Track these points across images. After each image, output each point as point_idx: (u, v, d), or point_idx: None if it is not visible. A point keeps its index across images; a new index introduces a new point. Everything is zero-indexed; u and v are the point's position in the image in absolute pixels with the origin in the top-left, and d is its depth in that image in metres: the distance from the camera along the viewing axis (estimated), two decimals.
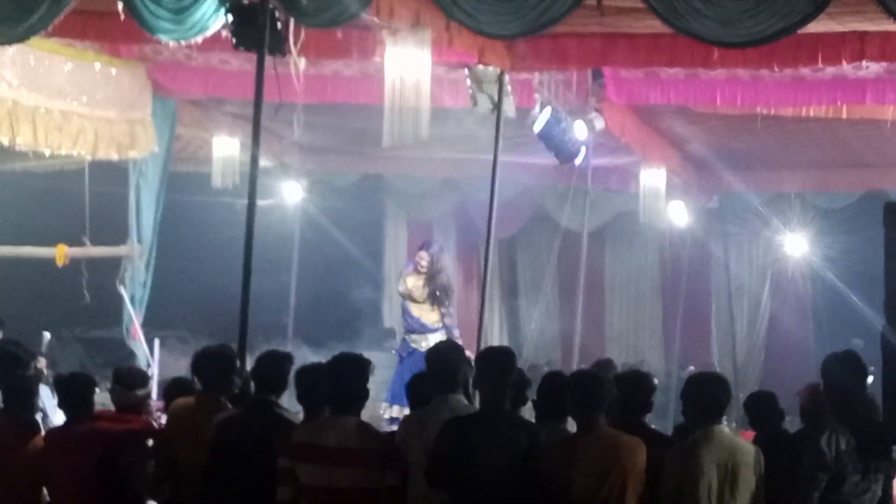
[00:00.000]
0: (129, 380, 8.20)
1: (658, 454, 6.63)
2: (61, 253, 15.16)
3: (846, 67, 11.68)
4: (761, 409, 7.68)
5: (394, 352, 14.93)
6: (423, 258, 14.11)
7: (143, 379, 8.39)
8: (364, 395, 6.71)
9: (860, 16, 10.00)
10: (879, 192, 17.52)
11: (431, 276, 14.03)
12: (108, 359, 17.26)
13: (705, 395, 6.75)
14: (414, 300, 13.90)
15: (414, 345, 13.86)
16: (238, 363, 8.12)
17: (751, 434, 8.12)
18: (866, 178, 18.40)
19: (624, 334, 22.10)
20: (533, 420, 7.23)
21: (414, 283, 13.89)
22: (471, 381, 6.98)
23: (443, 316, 13.82)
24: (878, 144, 16.60)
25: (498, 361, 6.78)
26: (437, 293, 13.93)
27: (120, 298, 14.94)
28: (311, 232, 20.01)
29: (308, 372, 7.24)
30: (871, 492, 6.96)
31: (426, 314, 13.75)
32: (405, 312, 14.16)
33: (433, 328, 13.79)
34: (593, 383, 6.74)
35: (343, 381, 6.65)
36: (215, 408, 7.45)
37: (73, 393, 7.76)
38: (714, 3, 8.11)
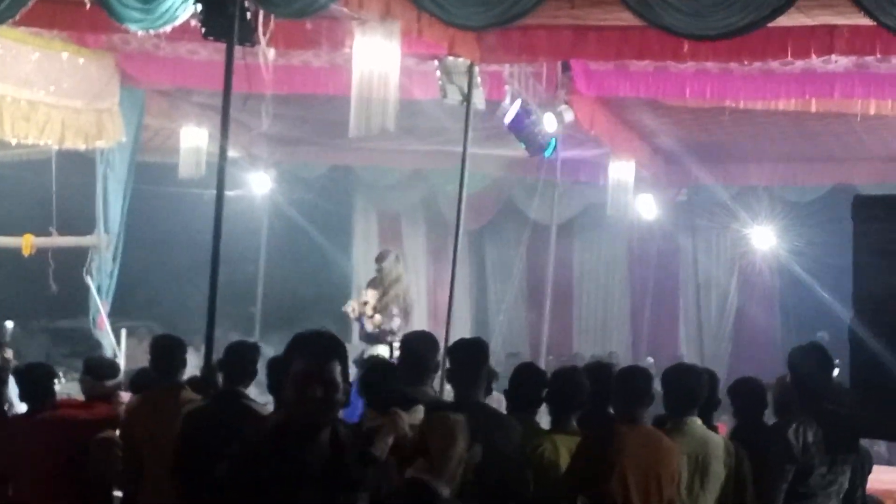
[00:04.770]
0: (100, 370, 8.14)
1: None
2: (28, 242, 15.10)
3: (815, 61, 11.73)
4: (747, 396, 7.59)
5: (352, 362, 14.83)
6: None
7: (114, 369, 8.32)
8: None
9: (830, 9, 10.05)
10: (847, 185, 17.58)
11: (386, 289, 14.01)
12: (74, 349, 17.20)
13: (679, 386, 6.77)
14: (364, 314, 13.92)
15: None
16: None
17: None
18: (834, 171, 18.46)
19: (592, 326, 22.10)
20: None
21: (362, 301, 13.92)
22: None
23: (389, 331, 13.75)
24: (846, 138, 16.67)
25: (471, 353, 6.75)
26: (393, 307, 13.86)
27: (86, 288, 14.88)
28: (279, 223, 19.96)
29: (279, 362, 7.18)
30: (838, 483, 6.96)
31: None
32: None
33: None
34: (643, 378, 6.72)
35: None
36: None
37: (33, 384, 7.68)
38: None
